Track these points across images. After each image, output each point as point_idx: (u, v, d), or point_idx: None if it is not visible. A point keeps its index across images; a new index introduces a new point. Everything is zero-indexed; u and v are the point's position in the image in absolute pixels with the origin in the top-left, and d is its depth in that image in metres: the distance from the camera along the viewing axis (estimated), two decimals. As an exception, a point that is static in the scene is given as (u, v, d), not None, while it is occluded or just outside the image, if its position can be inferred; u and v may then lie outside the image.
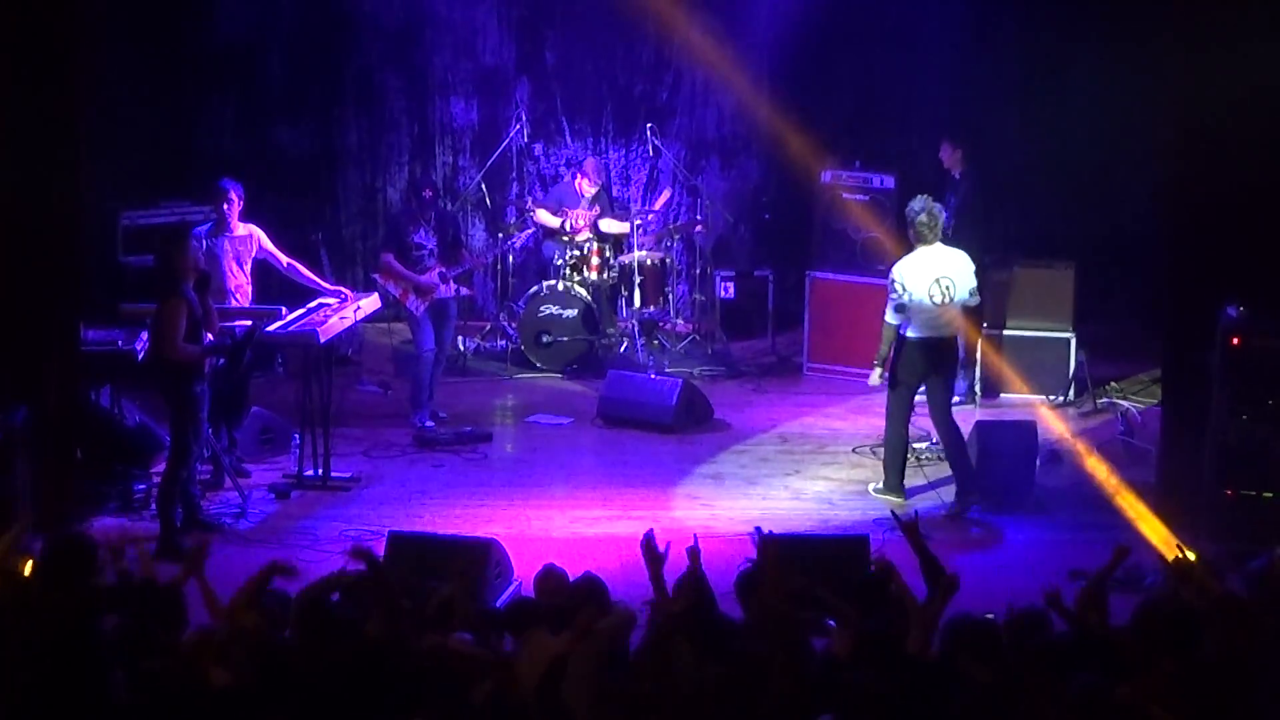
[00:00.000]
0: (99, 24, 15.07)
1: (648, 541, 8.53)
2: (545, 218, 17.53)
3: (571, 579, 9.19)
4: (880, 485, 13.78)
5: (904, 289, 13.30)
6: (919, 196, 13.65)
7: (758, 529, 9.05)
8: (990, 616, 8.61)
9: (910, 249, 13.53)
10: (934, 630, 8.19)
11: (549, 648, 8.27)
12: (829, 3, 18.23)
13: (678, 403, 15.39)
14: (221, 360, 13.03)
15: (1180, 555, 8.97)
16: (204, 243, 14.08)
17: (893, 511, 9.79)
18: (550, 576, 9.44)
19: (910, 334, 13.46)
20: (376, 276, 15.51)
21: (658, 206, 18.33)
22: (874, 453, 14.35)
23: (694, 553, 8.78)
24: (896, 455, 13.62)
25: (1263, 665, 8.03)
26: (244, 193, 14.49)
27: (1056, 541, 12.67)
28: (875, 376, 13.67)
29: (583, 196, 17.54)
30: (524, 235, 17.42)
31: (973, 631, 8.17)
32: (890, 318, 13.42)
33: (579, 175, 17.68)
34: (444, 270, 15.17)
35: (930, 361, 13.57)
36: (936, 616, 8.29)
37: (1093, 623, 8.29)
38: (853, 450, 14.75)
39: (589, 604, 8.51)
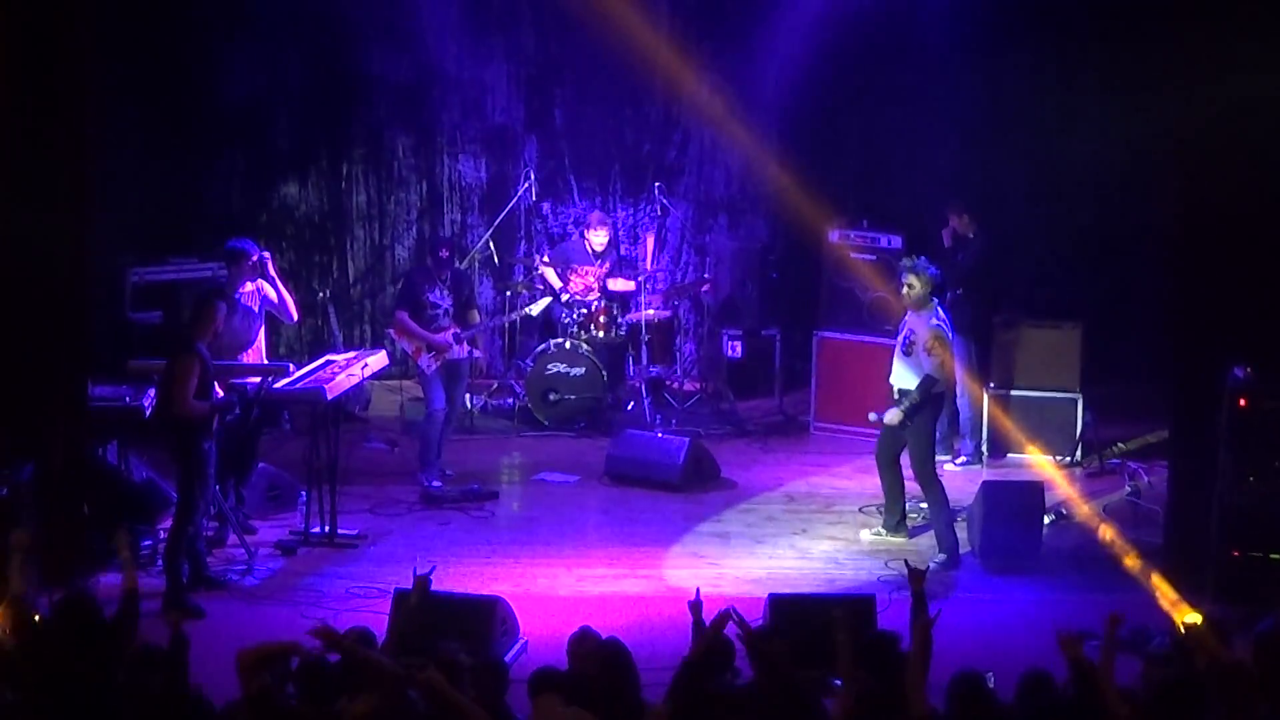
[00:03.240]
0: (109, 81, 15.15)
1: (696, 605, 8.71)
2: (550, 276, 17.56)
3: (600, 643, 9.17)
4: (880, 530, 14.04)
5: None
6: (921, 257, 13.82)
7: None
8: (989, 675, 8.61)
9: (910, 307, 13.76)
10: (922, 681, 8.20)
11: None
12: (836, 63, 18.32)
13: (685, 461, 15.39)
14: (231, 416, 13.03)
15: (1188, 621, 8.93)
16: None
17: (906, 561, 9.78)
18: (585, 640, 9.36)
19: (943, 388, 13.60)
20: (391, 332, 15.52)
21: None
22: (880, 511, 14.32)
23: (695, 606, 8.88)
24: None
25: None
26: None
27: (1063, 602, 12.62)
28: (894, 416, 13.67)
29: (592, 252, 17.55)
30: (541, 305, 17.31)
31: (971, 690, 8.19)
32: (938, 371, 13.49)
33: (586, 229, 17.72)
34: (458, 331, 15.18)
35: None
36: (921, 665, 8.29)
37: (1105, 690, 8.26)
38: (859, 510, 14.71)
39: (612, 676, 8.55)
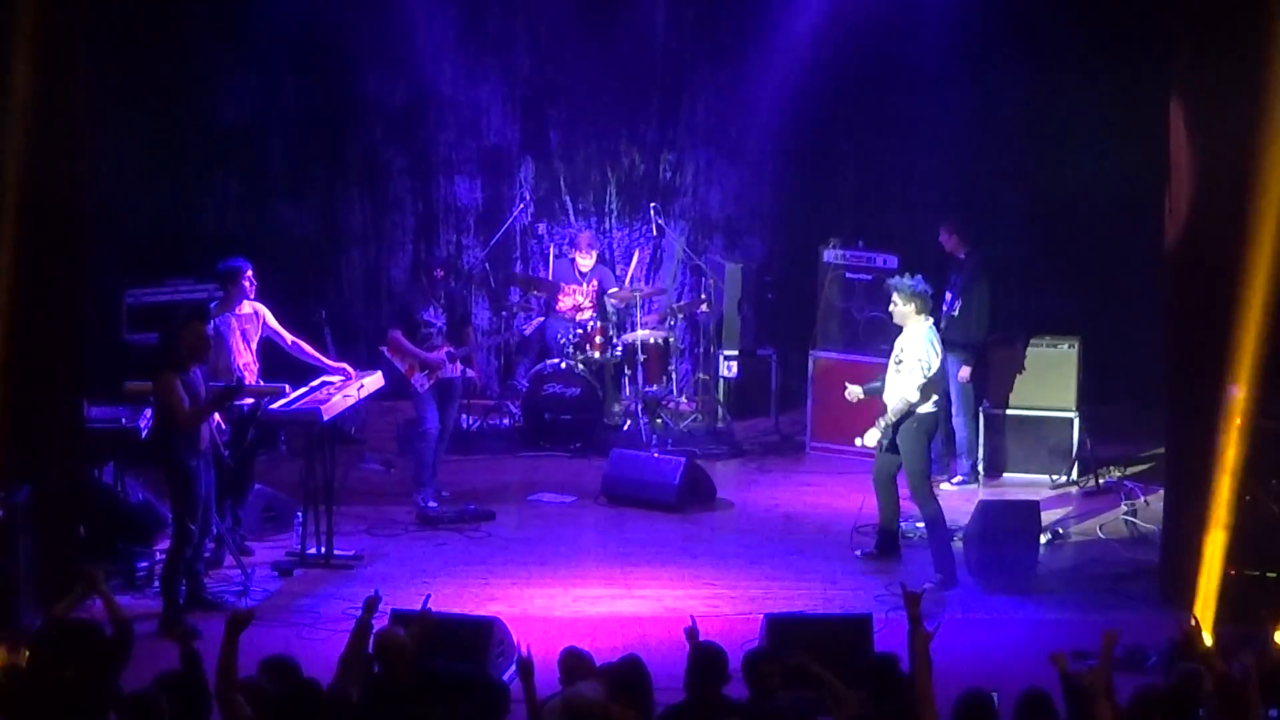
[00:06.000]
0: (104, 103, 15.15)
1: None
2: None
3: (599, 663, 9.18)
4: (873, 550, 14.01)
5: (937, 361, 13.53)
6: (913, 275, 13.79)
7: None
8: (993, 694, 8.61)
9: (900, 325, 13.72)
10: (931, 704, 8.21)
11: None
12: (832, 83, 18.36)
13: (681, 481, 15.38)
14: (224, 435, 13.03)
15: (1190, 628, 8.92)
16: (211, 321, 13.98)
17: (902, 585, 9.79)
18: (572, 658, 9.39)
19: (935, 408, 13.57)
20: (384, 350, 15.53)
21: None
22: (876, 531, 14.30)
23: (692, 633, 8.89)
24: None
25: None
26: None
27: (1060, 622, 12.61)
28: (873, 436, 13.61)
29: (580, 272, 17.60)
30: (534, 324, 17.31)
31: (978, 710, 8.18)
32: (915, 394, 13.43)
33: (574, 251, 17.77)
34: (452, 350, 15.18)
35: None
36: (925, 683, 8.31)
37: (1098, 706, 8.27)
38: (856, 530, 14.69)
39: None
